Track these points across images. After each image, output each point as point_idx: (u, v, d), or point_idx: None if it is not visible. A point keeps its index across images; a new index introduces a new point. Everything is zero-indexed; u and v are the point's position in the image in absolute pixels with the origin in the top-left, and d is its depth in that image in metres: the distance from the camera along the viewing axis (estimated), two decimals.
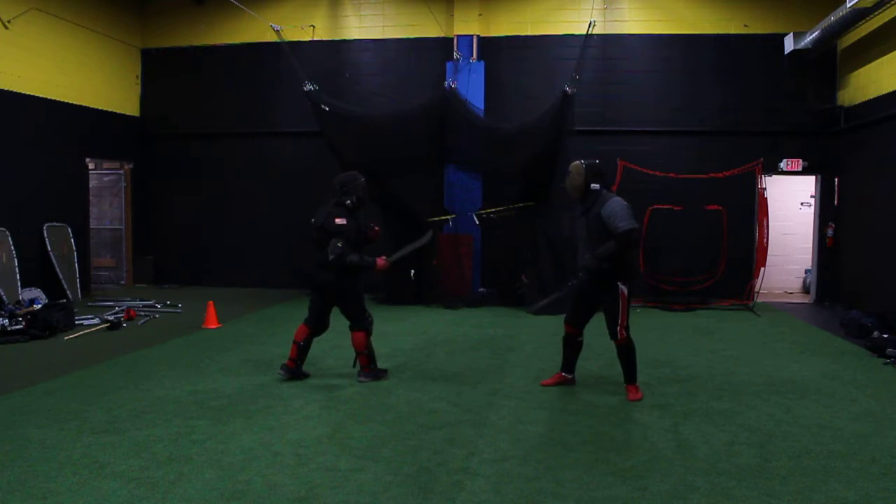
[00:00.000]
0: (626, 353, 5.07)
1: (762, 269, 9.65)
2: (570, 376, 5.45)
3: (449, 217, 9.70)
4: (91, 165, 10.94)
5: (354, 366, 5.58)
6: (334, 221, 5.18)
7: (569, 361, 5.43)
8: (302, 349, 5.45)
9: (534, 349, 6.81)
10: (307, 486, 3.48)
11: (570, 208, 5.51)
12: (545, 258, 9.23)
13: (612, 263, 4.88)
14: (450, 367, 6.05)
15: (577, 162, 5.10)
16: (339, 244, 5.10)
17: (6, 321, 7.10)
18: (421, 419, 4.57)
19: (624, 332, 4.97)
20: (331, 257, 5.10)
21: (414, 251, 5.96)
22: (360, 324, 5.39)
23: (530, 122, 9.42)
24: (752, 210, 9.99)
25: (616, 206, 4.80)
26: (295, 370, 5.46)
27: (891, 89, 8.31)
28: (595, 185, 4.94)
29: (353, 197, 5.27)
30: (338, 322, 5.65)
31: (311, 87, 9.32)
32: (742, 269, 9.90)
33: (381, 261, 5.36)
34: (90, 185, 10.87)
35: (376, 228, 5.48)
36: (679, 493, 3.42)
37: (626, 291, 4.93)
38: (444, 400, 5.03)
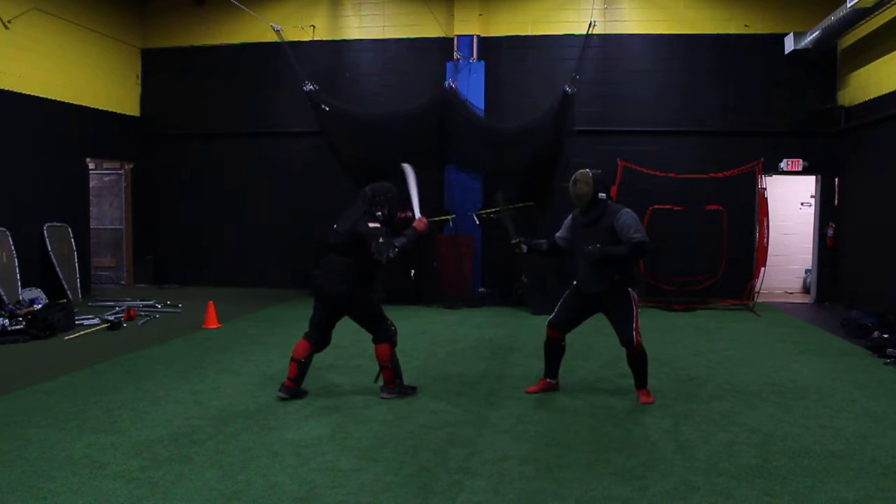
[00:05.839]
0: (639, 358, 5.01)
1: (762, 269, 9.65)
2: (554, 381, 5.30)
3: (449, 217, 9.70)
4: (91, 165, 10.94)
5: (376, 381, 5.17)
6: (367, 225, 4.81)
7: (553, 367, 5.28)
8: (303, 367, 4.98)
9: (534, 349, 6.79)
10: (307, 486, 3.48)
11: (573, 216, 5.20)
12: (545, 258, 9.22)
13: (622, 273, 4.87)
14: (450, 367, 6.05)
15: (585, 170, 4.96)
16: (382, 240, 4.71)
17: (6, 321, 7.10)
18: (421, 419, 4.57)
19: (639, 336, 4.91)
20: (383, 258, 4.68)
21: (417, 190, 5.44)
22: (383, 335, 5.00)
23: (530, 122, 9.41)
24: (752, 210, 9.98)
25: (630, 219, 4.83)
26: (295, 390, 5.00)
27: (891, 89, 8.31)
28: (602, 195, 4.90)
29: (384, 209, 4.96)
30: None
31: (311, 86, 9.31)
32: (742, 269, 9.89)
33: (419, 224, 5.01)
34: (90, 185, 10.87)
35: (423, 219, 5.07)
36: (679, 493, 3.42)
37: (636, 297, 4.94)
38: (444, 400, 5.02)
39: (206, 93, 11.43)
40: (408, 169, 5.38)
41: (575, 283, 5.08)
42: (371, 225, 4.81)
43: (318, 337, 5.04)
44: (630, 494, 3.40)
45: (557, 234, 5.23)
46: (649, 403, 4.98)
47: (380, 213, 4.93)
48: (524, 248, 5.16)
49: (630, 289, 4.91)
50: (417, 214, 5.14)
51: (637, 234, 4.78)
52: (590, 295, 4.97)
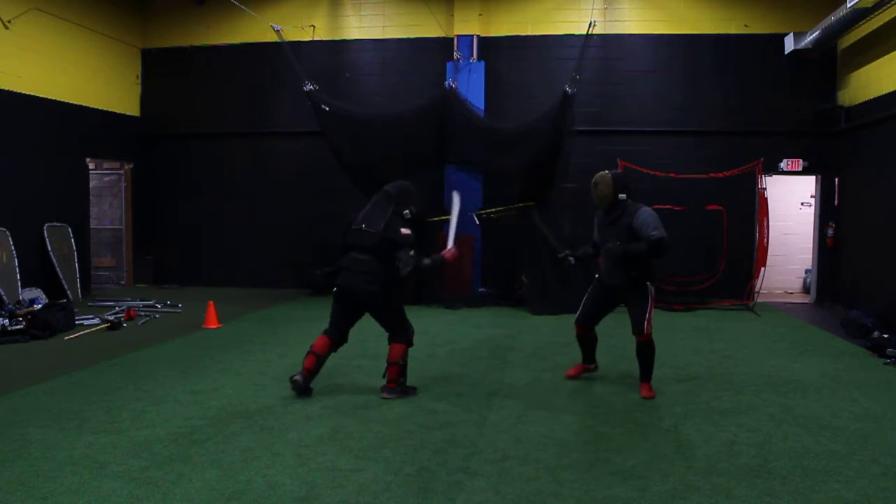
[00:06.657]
0: (647, 350, 5.17)
1: (762, 269, 9.65)
2: (591, 366, 5.67)
3: (449, 217, 9.68)
4: (91, 165, 10.94)
5: (384, 377, 5.15)
6: (400, 232, 4.86)
7: (589, 353, 5.63)
8: (320, 361, 5.02)
9: (534, 349, 6.81)
10: (307, 486, 3.48)
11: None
12: (545, 258, 9.22)
13: (642, 269, 5.04)
14: (450, 367, 6.05)
15: (604, 172, 5.13)
16: (412, 253, 4.82)
17: (6, 321, 7.09)
18: (421, 419, 4.57)
19: (650, 327, 5.06)
20: (405, 270, 4.79)
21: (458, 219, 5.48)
22: (403, 335, 5.05)
23: (530, 122, 9.41)
24: (752, 210, 9.98)
25: (648, 217, 4.98)
26: (309, 380, 5.01)
27: (891, 89, 8.30)
28: (622, 196, 5.06)
29: (411, 208, 5.01)
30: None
31: (312, 87, 9.31)
32: (742, 269, 9.89)
33: (448, 254, 5.06)
34: (90, 185, 10.86)
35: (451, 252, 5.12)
36: (679, 493, 3.42)
37: (653, 291, 5.13)
38: (444, 400, 5.03)
39: (206, 93, 11.43)
40: (455, 198, 5.43)
41: (597, 276, 5.35)
42: (404, 232, 4.90)
43: (339, 335, 5.11)
44: (630, 494, 3.40)
45: (593, 236, 5.46)
46: (649, 398, 5.09)
47: (408, 213, 5.01)
48: (571, 260, 5.49)
49: (648, 283, 5.08)
50: (451, 244, 5.20)
51: (655, 231, 4.91)
52: (610, 287, 5.22)
